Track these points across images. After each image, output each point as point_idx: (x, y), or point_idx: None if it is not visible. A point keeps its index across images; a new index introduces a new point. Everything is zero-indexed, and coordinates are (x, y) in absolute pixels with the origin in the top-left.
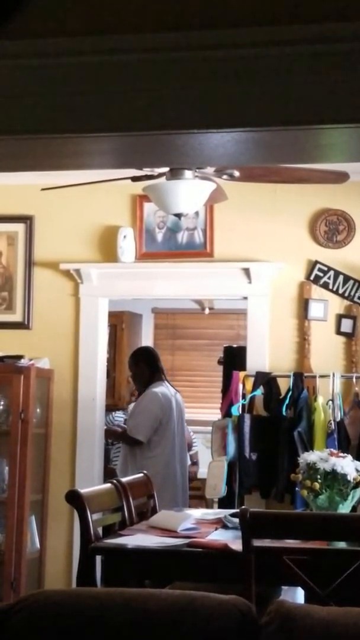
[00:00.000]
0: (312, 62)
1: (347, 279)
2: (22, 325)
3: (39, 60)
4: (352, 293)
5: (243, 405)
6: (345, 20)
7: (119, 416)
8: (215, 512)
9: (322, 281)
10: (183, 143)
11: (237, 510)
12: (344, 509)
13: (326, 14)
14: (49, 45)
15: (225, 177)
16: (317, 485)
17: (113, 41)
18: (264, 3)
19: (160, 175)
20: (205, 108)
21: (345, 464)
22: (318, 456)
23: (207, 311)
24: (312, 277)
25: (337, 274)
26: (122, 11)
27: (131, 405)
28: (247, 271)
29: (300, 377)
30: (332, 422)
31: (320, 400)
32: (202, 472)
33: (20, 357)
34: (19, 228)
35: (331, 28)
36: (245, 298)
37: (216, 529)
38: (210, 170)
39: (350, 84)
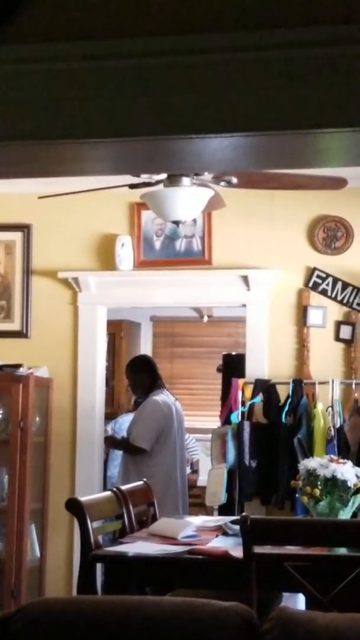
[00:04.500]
0: (310, 65)
1: (345, 285)
2: (20, 334)
3: (35, 65)
4: (351, 299)
5: (242, 413)
6: (344, 24)
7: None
8: (215, 520)
9: (320, 288)
10: (181, 149)
11: (238, 517)
12: (345, 515)
13: (324, 17)
14: (45, 51)
15: (223, 184)
16: (317, 492)
17: (109, 46)
18: (262, 7)
19: (158, 182)
20: (203, 113)
21: (346, 470)
22: (318, 463)
23: (205, 319)
24: (310, 284)
25: (335, 280)
26: (119, 16)
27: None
28: (245, 278)
29: (300, 384)
30: (332, 428)
31: (320, 406)
32: (202, 479)
33: (18, 365)
34: (17, 237)
35: (329, 31)
36: (244, 305)
37: (217, 536)
38: (208, 177)
39: (348, 88)
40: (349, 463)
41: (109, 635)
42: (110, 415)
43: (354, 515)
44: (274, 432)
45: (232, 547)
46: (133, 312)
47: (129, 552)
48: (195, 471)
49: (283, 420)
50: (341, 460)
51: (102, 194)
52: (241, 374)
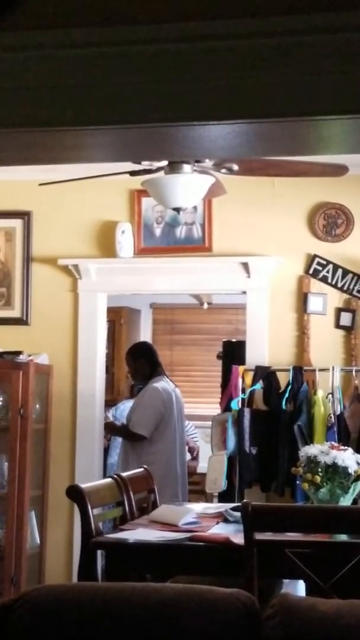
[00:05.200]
0: (312, 52)
1: (345, 272)
2: (20, 321)
3: (37, 52)
4: (351, 286)
5: (243, 400)
6: (345, 10)
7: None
8: (216, 506)
9: (321, 275)
10: (183, 136)
11: (238, 504)
12: (345, 501)
13: (325, 3)
14: (46, 38)
15: (224, 171)
16: (318, 479)
17: (110, 33)
18: None
19: (158, 169)
20: (205, 100)
21: (346, 457)
22: (319, 449)
23: (205, 306)
24: (311, 271)
25: (335, 267)
26: (120, 3)
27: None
28: (245, 265)
29: (300, 371)
30: (332, 415)
31: (320, 393)
32: (202, 466)
33: (19, 353)
34: (17, 224)
35: (331, 18)
36: (244, 292)
37: (217, 523)
38: (209, 164)
39: (350, 75)
40: (350, 450)
41: (110, 621)
42: (110, 403)
43: (355, 502)
44: (274, 419)
45: (233, 533)
46: (133, 299)
47: (130, 538)
48: (195, 458)
49: (283, 407)
50: (342, 447)
51: (102, 181)
52: (241, 360)
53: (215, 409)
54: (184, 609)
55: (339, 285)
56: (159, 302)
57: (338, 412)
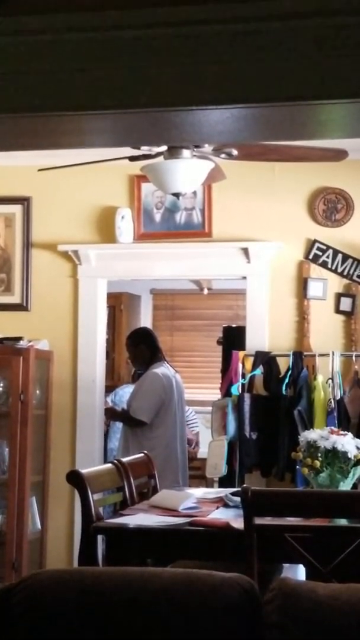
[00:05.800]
0: (312, 36)
1: (345, 257)
2: (20, 307)
3: (36, 37)
4: (351, 271)
5: (243, 385)
6: None
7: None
8: (216, 491)
9: (321, 260)
10: (181, 120)
11: (238, 489)
12: (345, 486)
13: None
14: (44, 22)
15: (223, 156)
16: (318, 463)
17: (111, 17)
18: None
19: (158, 154)
20: (204, 84)
21: (346, 442)
22: (319, 434)
23: (205, 292)
24: (311, 256)
25: (335, 252)
26: None
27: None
28: (245, 251)
29: (300, 356)
30: (332, 400)
31: (320, 378)
32: (203, 452)
33: (19, 338)
34: (17, 209)
35: (331, 2)
36: (244, 278)
37: (217, 507)
38: (208, 149)
39: (350, 59)
40: (349, 435)
41: (110, 606)
42: (111, 388)
43: (354, 486)
44: (274, 404)
45: (233, 518)
46: (133, 285)
47: (130, 523)
48: (193, 448)
49: (283, 392)
50: (341, 432)
51: (102, 167)
52: (241, 346)
53: (215, 394)
54: (184, 594)
55: (339, 270)
56: (159, 287)
57: (338, 397)
